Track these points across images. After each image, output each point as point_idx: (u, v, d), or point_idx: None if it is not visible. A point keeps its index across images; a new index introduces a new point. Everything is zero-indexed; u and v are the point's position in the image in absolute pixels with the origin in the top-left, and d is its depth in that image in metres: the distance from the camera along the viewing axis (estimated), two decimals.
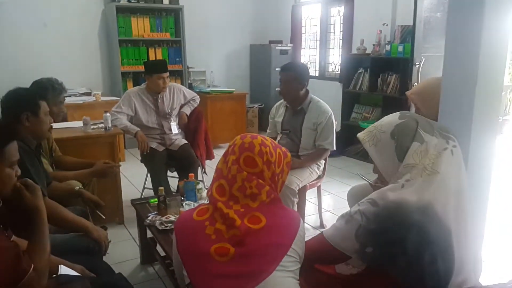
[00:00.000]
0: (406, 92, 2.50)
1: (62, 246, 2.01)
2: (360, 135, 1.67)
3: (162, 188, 2.60)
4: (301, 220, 1.44)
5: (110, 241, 2.20)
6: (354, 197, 2.80)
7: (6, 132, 1.57)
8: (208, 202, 1.45)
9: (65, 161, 2.98)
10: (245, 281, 1.29)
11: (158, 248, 2.81)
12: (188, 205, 2.27)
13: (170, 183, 3.69)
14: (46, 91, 2.66)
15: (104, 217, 2.47)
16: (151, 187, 3.83)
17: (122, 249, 3.07)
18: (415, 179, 1.46)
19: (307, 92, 3.26)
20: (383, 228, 1.37)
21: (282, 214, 1.40)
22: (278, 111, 3.44)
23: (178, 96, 3.89)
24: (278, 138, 3.41)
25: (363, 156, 5.56)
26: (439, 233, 1.34)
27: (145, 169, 3.86)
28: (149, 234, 2.87)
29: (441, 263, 1.32)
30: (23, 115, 2.18)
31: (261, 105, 6.94)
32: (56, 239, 1.97)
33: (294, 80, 3.15)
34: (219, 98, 6.01)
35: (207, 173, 4.05)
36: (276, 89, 6.80)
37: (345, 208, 3.79)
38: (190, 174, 2.70)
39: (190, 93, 4.02)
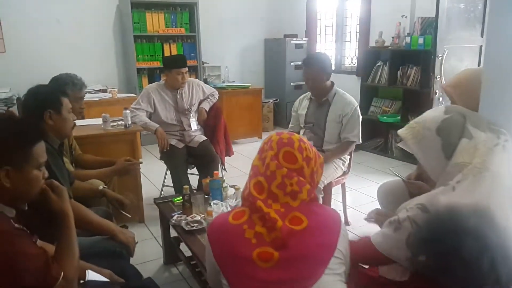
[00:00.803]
0: (442, 85, 2.42)
1: (89, 250, 1.95)
2: (401, 132, 1.59)
3: (187, 186, 2.54)
4: (341, 218, 1.37)
5: (137, 243, 2.14)
6: (386, 194, 2.71)
7: (33, 131, 1.50)
8: (241, 205, 1.38)
9: (85, 160, 2.93)
10: None
11: (182, 247, 2.77)
12: (215, 205, 2.20)
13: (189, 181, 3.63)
14: (66, 87, 2.60)
15: (130, 216, 2.42)
16: (170, 184, 3.78)
17: (144, 249, 3.01)
18: (466, 180, 1.37)
19: (332, 83, 3.17)
20: (436, 236, 1.28)
21: (323, 213, 1.33)
22: (302, 104, 3.36)
23: (197, 92, 3.82)
24: (302, 132, 3.33)
25: (382, 150, 5.46)
26: (498, 236, 1.26)
27: (162, 166, 3.81)
28: (172, 233, 2.83)
29: (502, 269, 1.24)
30: (46, 113, 2.12)
31: (276, 100, 6.85)
32: (82, 243, 1.92)
33: (319, 73, 3.07)
34: (235, 93, 5.93)
35: (227, 170, 3.98)
36: (292, 83, 6.75)
37: (368, 204, 3.78)
38: (215, 172, 2.63)
39: (209, 89, 3.95)
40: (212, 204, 2.21)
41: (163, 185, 3.92)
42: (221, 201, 2.41)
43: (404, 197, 2.58)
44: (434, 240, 1.27)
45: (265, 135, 6.37)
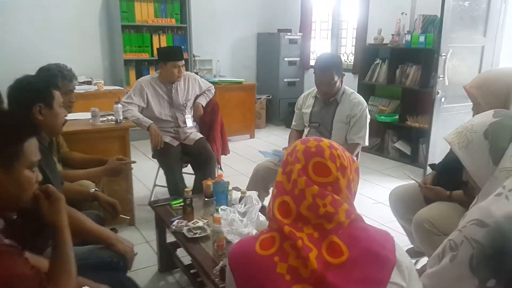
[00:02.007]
0: (464, 86, 2.25)
1: (83, 262, 1.73)
2: (447, 137, 1.43)
3: (188, 189, 2.32)
4: (396, 242, 1.12)
5: (136, 254, 1.92)
6: (399, 199, 2.56)
7: (25, 125, 1.28)
8: (268, 227, 1.17)
9: (74, 158, 2.69)
10: None
11: (179, 253, 2.56)
12: (223, 211, 1.99)
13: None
14: (55, 78, 2.36)
15: (128, 218, 2.20)
16: (162, 184, 3.56)
17: (137, 255, 2.78)
18: None
19: (341, 82, 2.99)
20: (502, 251, 1.12)
21: (367, 238, 1.08)
22: (306, 102, 3.16)
23: (193, 87, 3.60)
24: (306, 132, 3.14)
25: (379, 150, 5.34)
26: None
27: (153, 165, 3.58)
28: (169, 238, 2.62)
29: None
30: (35, 107, 1.88)
31: (269, 96, 6.66)
32: (75, 253, 1.70)
33: (334, 78, 2.89)
34: (227, 89, 5.71)
35: (223, 170, 3.77)
36: (285, 79, 6.57)
37: (366, 206, 3.62)
38: (219, 173, 2.42)
39: (205, 83, 3.73)
40: (220, 210, 2.00)
41: (155, 185, 3.69)
42: (227, 205, 2.21)
43: (418, 202, 2.45)
44: (501, 256, 1.12)
45: (258, 133, 6.22)
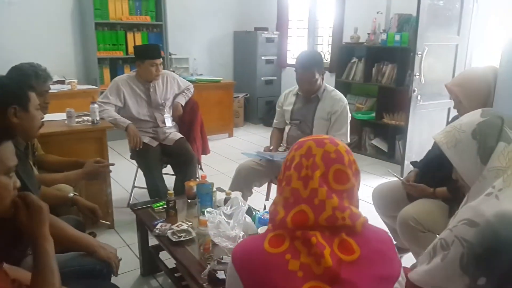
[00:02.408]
0: (446, 84, 2.28)
1: (65, 270, 1.66)
2: (436, 136, 1.43)
3: (171, 192, 2.27)
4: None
5: (120, 259, 1.86)
6: (383, 196, 2.57)
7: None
8: (272, 227, 1.12)
9: (49, 161, 2.58)
10: None
11: (162, 256, 2.51)
12: (210, 213, 1.95)
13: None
14: (29, 78, 2.26)
15: (109, 223, 2.13)
16: (140, 186, 3.48)
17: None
18: (509, 187, 1.24)
19: (322, 79, 2.99)
20: (492, 250, 1.13)
21: (375, 238, 1.10)
22: (287, 99, 3.15)
23: (172, 86, 3.53)
24: (287, 129, 3.13)
25: (356, 147, 5.38)
26: None
27: (131, 166, 3.49)
28: (150, 241, 2.56)
29: None
30: (10, 109, 1.79)
31: (247, 95, 6.62)
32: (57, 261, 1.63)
33: (316, 76, 2.89)
34: (205, 88, 5.63)
35: (203, 170, 3.72)
36: (263, 78, 6.55)
37: None
38: (203, 175, 2.37)
39: (184, 82, 3.67)
40: (206, 212, 1.96)
41: (133, 187, 3.61)
42: (212, 207, 2.17)
43: (402, 200, 2.47)
44: (491, 255, 1.13)
45: (236, 132, 6.17)
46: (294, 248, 1.04)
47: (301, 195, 1.07)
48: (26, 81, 2.06)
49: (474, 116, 1.36)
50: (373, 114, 5.15)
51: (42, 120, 1.99)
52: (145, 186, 3.30)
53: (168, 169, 3.59)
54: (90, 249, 1.75)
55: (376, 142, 5.19)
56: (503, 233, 1.13)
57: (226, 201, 2.24)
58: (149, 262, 2.60)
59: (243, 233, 1.94)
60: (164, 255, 2.50)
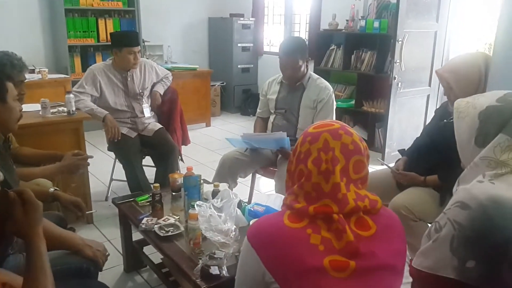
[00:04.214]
0: (436, 70, 2.26)
1: (51, 269, 1.56)
2: (458, 101, 1.40)
3: (157, 185, 2.17)
4: None
5: (108, 255, 1.77)
6: (372, 185, 2.48)
7: None
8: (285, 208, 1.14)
9: (24, 154, 2.44)
10: None
11: (146, 251, 2.42)
12: (199, 206, 1.87)
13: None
14: (4, 68, 2.12)
15: (95, 211, 2.05)
16: (119, 178, 3.37)
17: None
18: (502, 176, 1.22)
19: (306, 67, 2.93)
20: (483, 233, 1.12)
21: (388, 216, 1.15)
22: (272, 88, 3.08)
23: (150, 74, 3.40)
24: (272, 118, 3.06)
25: None
26: None
27: (109, 158, 3.36)
28: (134, 236, 2.47)
29: None
30: None
31: (223, 83, 6.50)
32: None
33: (299, 62, 2.81)
34: (181, 76, 5.48)
35: (184, 161, 3.62)
36: (239, 66, 6.46)
37: None
38: (189, 167, 2.28)
39: (162, 70, 3.54)
40: (195, 206, 1.88)
41: (111, 180, 3.48)
42: (200, 200, 2.09)
43: (392, 188, 2.46)
44: (480, 238, 1.12)
45: (214, 121, 6.06)
46: (315, 224, 1.06)
47: (323, 189, 1.07)
48: (3, 71, 1.91)
49: (491, 97, 1.31)
50: (353, 102, 5.14)
51: (21, 111, 1.86)
52: (124, 178, 3.19)
53: (147, 160, 3.47)
54: (76, 248, 1.65)
55: (355, 130, 5.14)
56: (495, 217, 1.12)
57: (214, 193, 2.17)
58: (133, 258, 2.51)
59: (235, 226, 1.87)
60: (149, 250, 2.42)
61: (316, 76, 3.00)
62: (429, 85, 4.54)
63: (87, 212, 2.04)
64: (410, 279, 1.15)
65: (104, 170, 3.67)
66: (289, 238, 1.05)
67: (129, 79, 3.27)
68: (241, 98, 6.52)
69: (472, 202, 1.17)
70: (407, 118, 4.44)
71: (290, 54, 2.82)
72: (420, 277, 1.26)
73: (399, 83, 4.25)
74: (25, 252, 1.14)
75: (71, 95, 2.89)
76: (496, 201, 1.14)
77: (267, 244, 1.08)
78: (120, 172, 3.23)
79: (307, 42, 5.86)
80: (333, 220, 1.05)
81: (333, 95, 2.97)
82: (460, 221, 1.17)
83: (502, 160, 1.21)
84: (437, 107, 3.13)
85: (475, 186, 1.22)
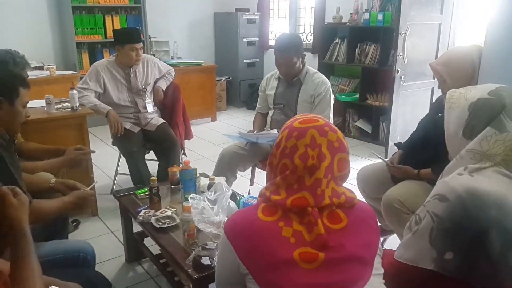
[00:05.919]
0: (430, 63, 2.26)
1: (48, 258, 1.64)
2: (449, 92, 1.42)
3: (154, 178, 2.23)
4: None
5: (96, 182, 2.08)
6: (367, 178, 2.57)
7: None
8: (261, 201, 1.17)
9: (30, 149, 2.52)
10: None
11: (146, 243, 2.49)
12: (193, 199, 1.93)
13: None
14: (5, 65, 2.19)
15: (95, 182, 2.27)
16: (123, 172, 3.44)
17: (102, 246, 2.68)
18: (484, 170, 1.25)
19: (303, 62, 2.95)
20: (460, 225, 1.15)
21: (360, 209, 1.16)
22: (270, 83, 3.11)
23: (152, 70, 3.46)
24: (271, 113, 3.10)
25: (340, 129, 5.30)
26: None
27: (114, 152, 3.43)
28: (135, 228, 2.54)
29: None
30: None
31: (229, 78, 6.55)
32: (39, 249, 1.60)
33: (294, 59, 2.84)
34: (186, 71, 5.55)
35: (187, 156, 3.68)
36: (245, 60, 6.48)
37: None
38: (186, 161, 2.34)
39: (165, 66, 3.60)
40: (189, 198, 1.94)
41: (116, 173, 3.56)
42: (195, 193, 2.15)
43: (386, 181, 2.48)
44: (458, 230, 1.15)
45: (219, 116, 6.12)
46: (287, 217, 1.09)
47: (305, 183, 1.10)
48: (20, 76, 1.98)
49: (484, 90, 1.32)
50: (357, 96, 5.15)
51: (28, 118, 1.95)
52: (128, 172, 3.26)
53: (151, 155, 3.55)
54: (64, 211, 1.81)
55: (360, 123, 5.20)
56: (472, 209, 1.15)
57: (210, 186, 2.22)
58: (134, 249, 2.58)
59: (227, 218, 1.92)
60: (149, 241, 2.48)
61: (314, 70, 3.03)
62: (434, 78, 4.50)
63: (89, 187, 2.07)
64: (382, 271, 1.16)
65: (110, 164, 3.75)
66: (262, 231, 1.09)
67: (132, 75, 3.34)
68: (247, 93, 6.56)
69: (450, 194, 1.20)
70: (411, 111, 4.43)
71: (284, 52, 2.85)
72: (400, 269, 1.30)
73: (402, 76, 4.24)
74: (14, 243, 1.18)
75: (75, 91, 2.97)
76: (473, 193, 1.17)
77: (241, 237, 1.11)
78: (125, 166, 3.31)
79: (311, 36, 5.90)
80: (307, 212, 1.08)
81: (331, 89, 3.00)
82: (438, 213, 1.20)
83: (488, 153, 1.23)
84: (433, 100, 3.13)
85: (454, 179, 1.25)
